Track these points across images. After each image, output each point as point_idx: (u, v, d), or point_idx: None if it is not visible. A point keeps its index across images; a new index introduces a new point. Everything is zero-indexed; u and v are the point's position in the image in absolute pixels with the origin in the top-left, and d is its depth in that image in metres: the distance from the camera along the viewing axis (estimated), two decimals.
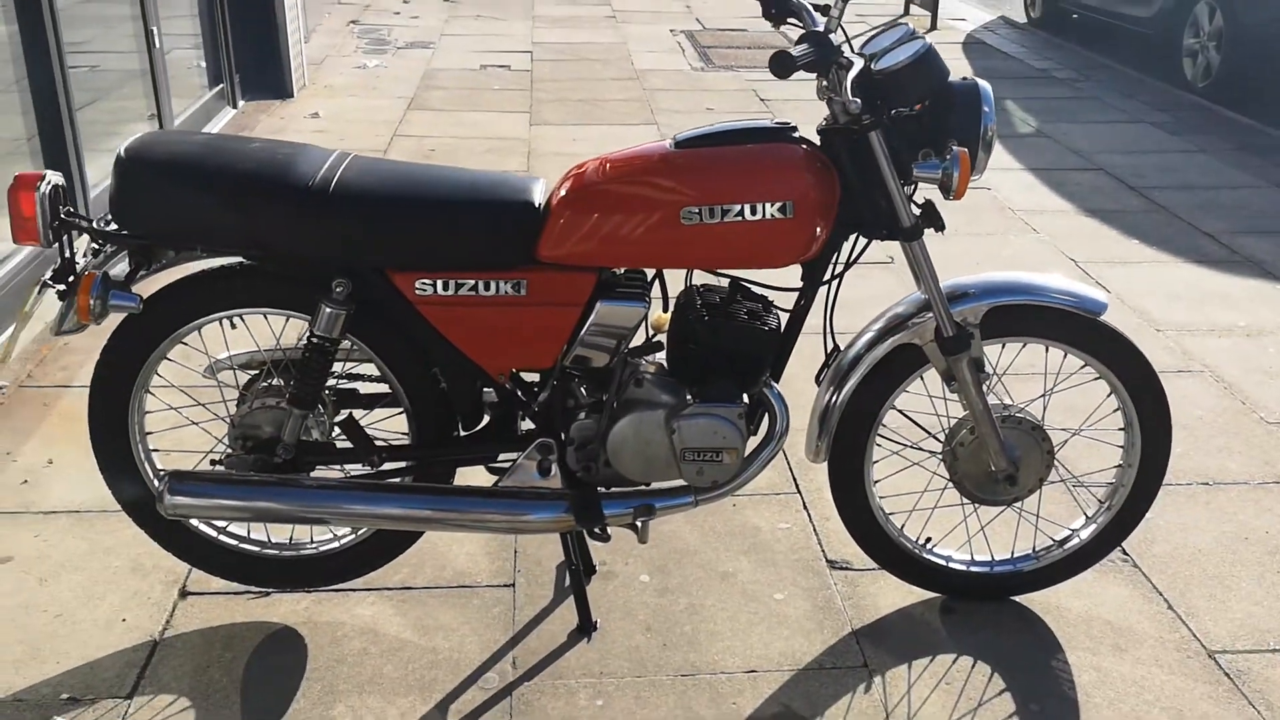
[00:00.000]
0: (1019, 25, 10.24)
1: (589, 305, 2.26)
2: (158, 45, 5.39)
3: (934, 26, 9.74)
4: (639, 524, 2.35)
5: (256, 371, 2.47)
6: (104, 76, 5.14)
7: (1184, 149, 6.46)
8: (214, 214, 2.20)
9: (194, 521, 2.50)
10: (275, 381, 2.42)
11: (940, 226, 2.31)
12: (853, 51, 2.24)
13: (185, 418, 2.62)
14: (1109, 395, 2.51)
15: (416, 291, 2.24)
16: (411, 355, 2.35)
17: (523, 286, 2.24)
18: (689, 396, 2.34)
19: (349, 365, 2.48)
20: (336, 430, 2.47)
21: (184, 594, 2.61)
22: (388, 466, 2.44)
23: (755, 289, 2.42)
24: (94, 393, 2.38)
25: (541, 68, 8.27)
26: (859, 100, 2.11)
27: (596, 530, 2.37)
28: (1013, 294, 2.38)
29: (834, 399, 2.43)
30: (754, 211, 2.19)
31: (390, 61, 8.35)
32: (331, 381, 2.47)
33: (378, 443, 2.44)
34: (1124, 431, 2.53)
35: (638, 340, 2.39)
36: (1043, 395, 2.74)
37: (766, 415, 2.40)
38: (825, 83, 2.23)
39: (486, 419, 2.46)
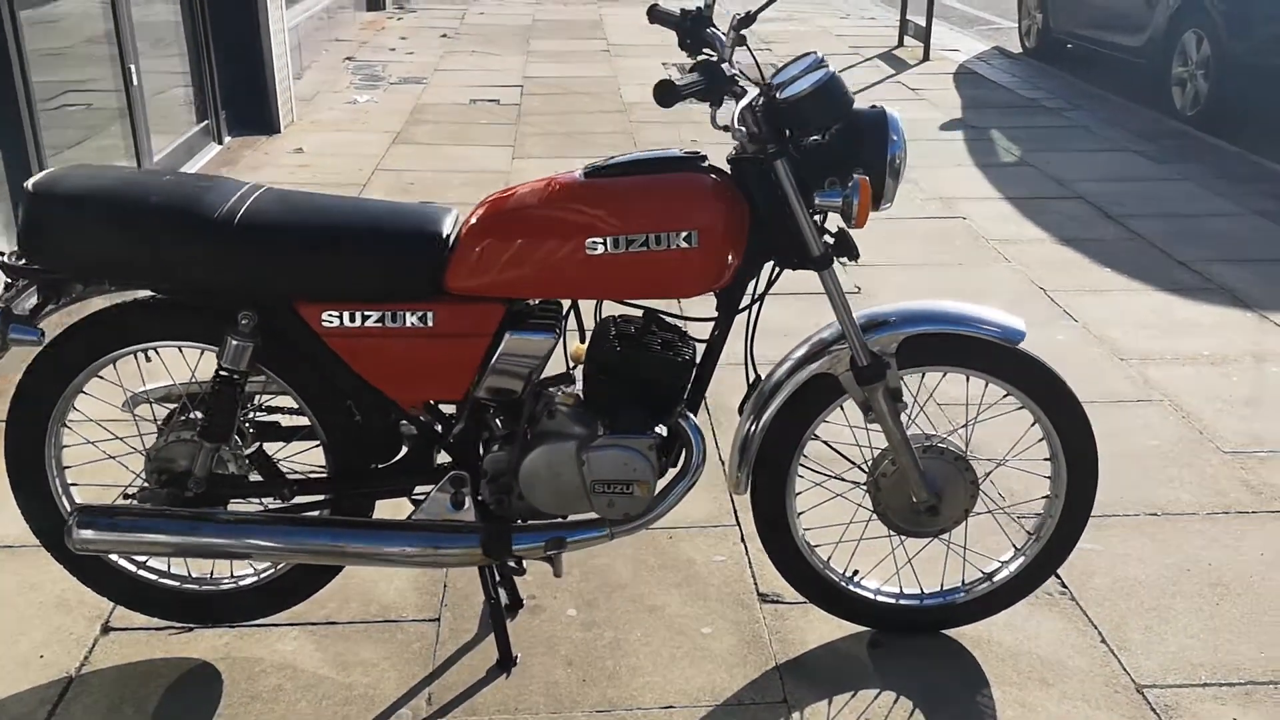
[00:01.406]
0: (1013, 55, 10.24)
1: (498, 336, 2.25)
2: (135, 83, 5.44)
3: (926, 58, 9.75)
4: (551, 557, 2.33)
5: (175, 405, 2.46)
6: (83, 116, 5.20)
7: (1167, 177, 6.43)
8: (120, 247, 2.21)
9: (114, 556, 2.49)
10: (193, 415, 2.41)
11: (853, 255, 2.30)
12: (750, 81, 2.24)
13: (103, 452, 2.61)
14: (1033, 424, 2.48)
15: (323, 323, 2.24)
16: (324, 387, 2.34)
17: (429, 318, 2.23)
18: (601, 428, 2.32)
19: (267, 398, 2.47)
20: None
21: (106, 629, 2.60)
22: (304, 499, 2.43)
23: (670, 319, 2.41)
24: (9, 427, 2.38)
25: (531, 101, 8.32)
26: (746, 129, 2.12)
27: (511, 564, 2.35)
28: (929, 322, 2.36)
29: (753, 428, 2.41)
30: (659, 242, 2.18)
31: (381, 97, 8.41)
32: (252, 414, 2.46)
33: (294, 476, 2.43)
34: (1050, 462, 2.50)
35: (557, 371, 2.38)
36: (965, 425, 2.71)
37: (684, 447, 2.38)
38: (716, 113, 2.25)
39: (405, 451, 2.45)
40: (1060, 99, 8.46)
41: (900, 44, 10.39)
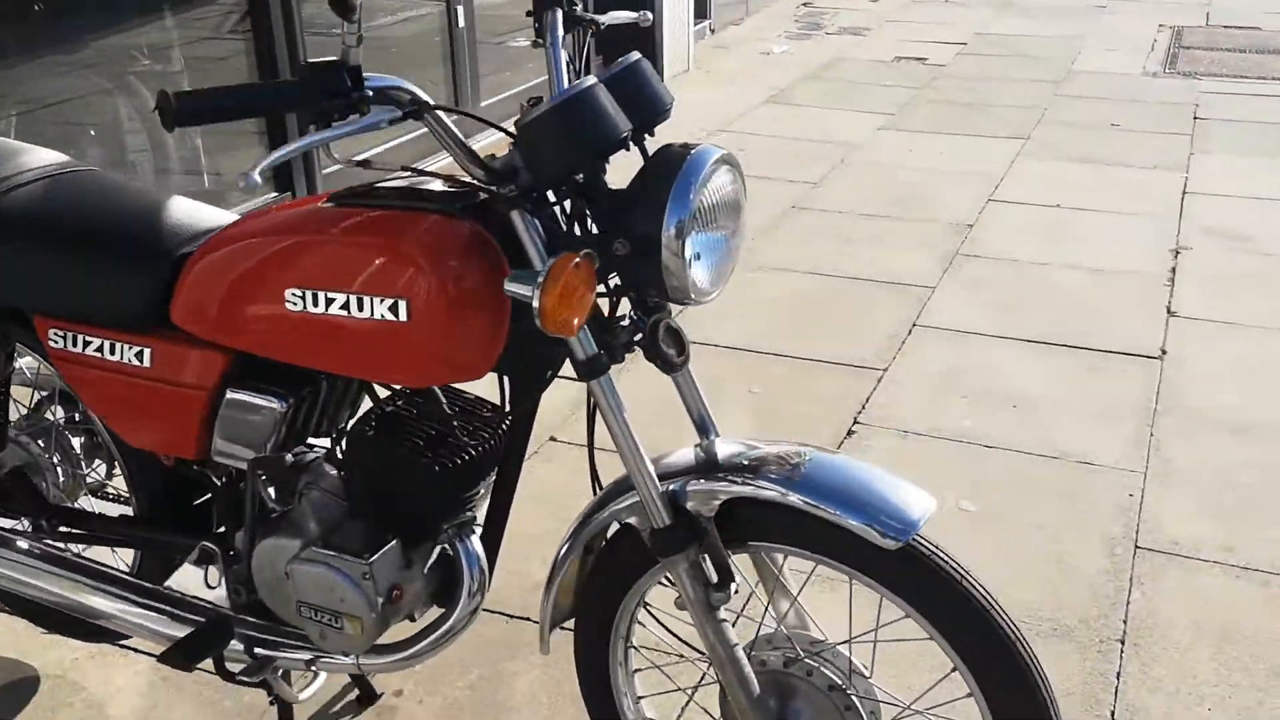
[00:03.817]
0: None
1: (221, 390, 1.76)
2: (460, 24, 5.37)
3: None
4: (262, 681, 1.83)
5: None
6: (399, 54, 5.23)
7: None
8: None
9: None
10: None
11: (667, 364, 1.53)
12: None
13: None
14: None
15: (50, 342, 1.88)
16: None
17: (146, 356, 1.79)
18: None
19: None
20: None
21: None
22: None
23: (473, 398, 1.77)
24: None
25: (961, 63, 7.31)
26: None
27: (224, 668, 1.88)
28: (776, 484, 1.51)
29: (554, 579, 1.72)
30: (360, 306, 1.56)
31: (802, 48, 7.82)
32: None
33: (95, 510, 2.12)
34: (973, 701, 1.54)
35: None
36: (866, 635, 1.71)
37: (455, 577, 1.76)
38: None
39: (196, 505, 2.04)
40: None
41: None
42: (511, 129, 1.45)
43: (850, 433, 3.12)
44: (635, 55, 1.52)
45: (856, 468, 1.52)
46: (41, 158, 2.03)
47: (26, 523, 2.12)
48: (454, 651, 2.30)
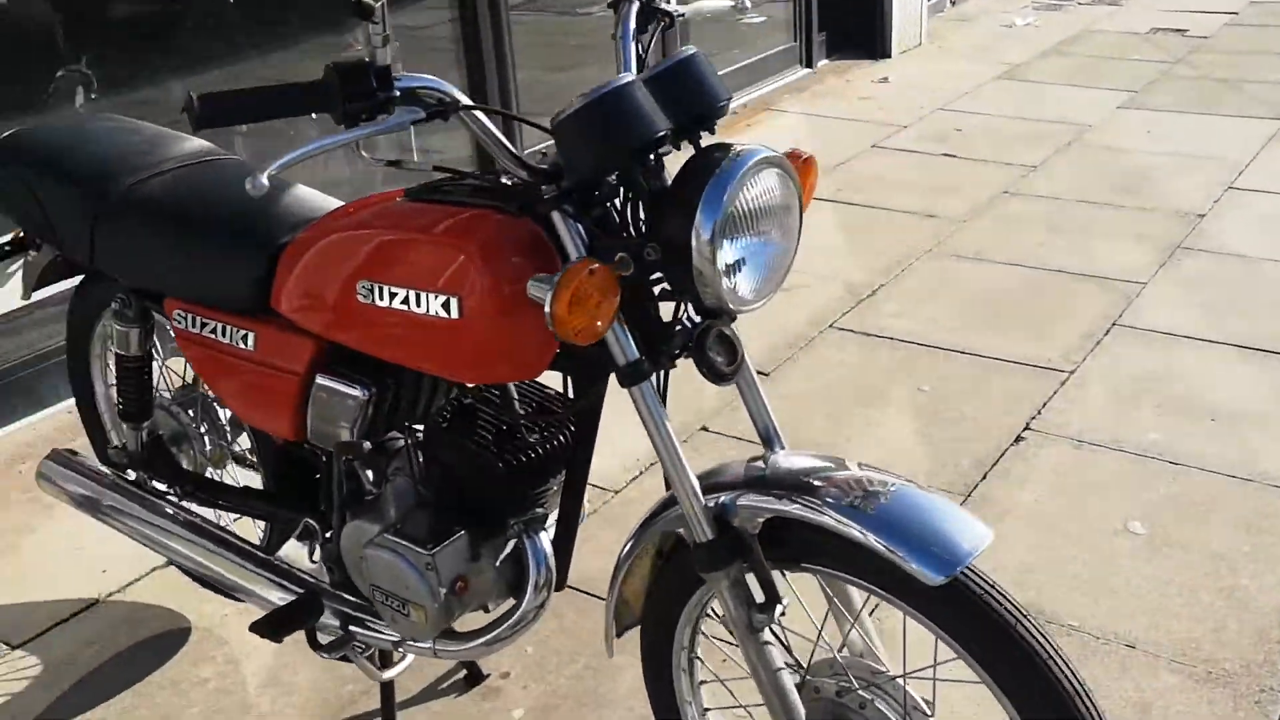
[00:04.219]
0: None
1: (312, 376, 1.82)
2: None
3: None
4: (339, 654, 1.89)
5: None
6: None
7: None
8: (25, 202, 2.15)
9: None
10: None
11: (717, 374, 1.46)
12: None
13: None
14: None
15: (175, 322, 1.99)
16: None
17: (250, 339, 1.87)
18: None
19: None
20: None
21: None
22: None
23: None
24: None
25: (1228, 35, 6.71)
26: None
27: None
28: (817, 505, 1.42)
29: (614, 586, 1.69)
30: (418, 302, 1.58)
31: (1051, 19, 7.38)
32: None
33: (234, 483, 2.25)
34: None
35: None
36: (927, 669, 1.58)
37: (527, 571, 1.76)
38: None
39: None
40: None
41: None
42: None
43: (1018, 439, 2.93)
44: (690, 49, 1.45)
45: (913, 495, 1.41)
46: (189, 146, 2.16)
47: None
48: (563, 640, 2.34)
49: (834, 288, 3.82)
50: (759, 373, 3.27)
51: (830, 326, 3.57)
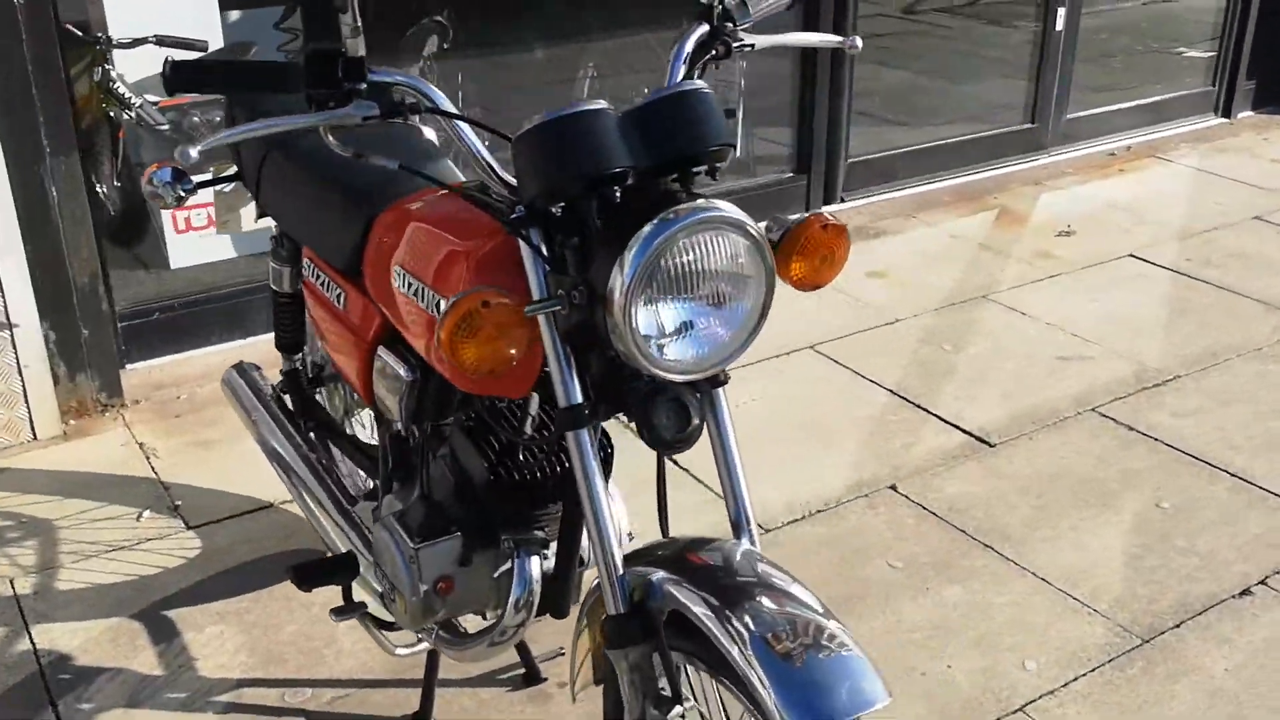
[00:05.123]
0: None
1: (374, 347, 1.85)
2: (1058, 27, 4.89)
3: None
4: (347, 617, 1.92)
5: None
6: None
7: None
8: None
9: None
10: None
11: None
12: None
13: None
14: None
15: (304, 267, 2.08)
16: None
17: (342, 299, 1.93)
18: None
19: None
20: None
21: None
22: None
23: None
24: None
25: None
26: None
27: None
28: (720, 616, 1.25)
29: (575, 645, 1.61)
30: (422, 297, 1.56)
31: None
32: None
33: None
34: None
35: None
36: None
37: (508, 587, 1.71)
38: None
39: None
40: None
41: None
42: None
43: (1245, 592, 2.46)
44: (692, 83, 1.30)
45: (828, 632, 1.22)
46: None
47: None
48: None
49: (1120, 367, 3.38)
50: (981, 440, 2.98)
51: (1093, 409, 3.16)
